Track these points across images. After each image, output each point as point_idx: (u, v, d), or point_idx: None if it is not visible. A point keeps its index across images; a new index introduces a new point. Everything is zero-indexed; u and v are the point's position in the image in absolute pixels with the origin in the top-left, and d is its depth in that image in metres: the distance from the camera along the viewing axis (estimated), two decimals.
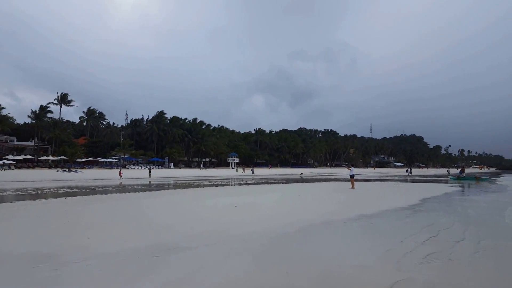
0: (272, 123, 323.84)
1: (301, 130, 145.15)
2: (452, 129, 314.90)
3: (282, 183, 27.95)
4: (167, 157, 73.35)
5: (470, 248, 5.99)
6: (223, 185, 25.24)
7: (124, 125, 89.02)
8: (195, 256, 5.38)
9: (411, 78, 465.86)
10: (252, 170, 58.06)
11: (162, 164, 71.58)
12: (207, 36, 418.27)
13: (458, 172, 41.16)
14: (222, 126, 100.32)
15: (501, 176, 51.89)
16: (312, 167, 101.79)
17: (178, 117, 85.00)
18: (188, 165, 79.92)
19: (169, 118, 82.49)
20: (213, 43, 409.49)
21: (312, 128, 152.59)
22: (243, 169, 60.95)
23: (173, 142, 77.91)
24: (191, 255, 5.43)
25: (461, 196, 17.53)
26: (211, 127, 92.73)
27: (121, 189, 21.91)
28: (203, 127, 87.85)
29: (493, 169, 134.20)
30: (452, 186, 24.22)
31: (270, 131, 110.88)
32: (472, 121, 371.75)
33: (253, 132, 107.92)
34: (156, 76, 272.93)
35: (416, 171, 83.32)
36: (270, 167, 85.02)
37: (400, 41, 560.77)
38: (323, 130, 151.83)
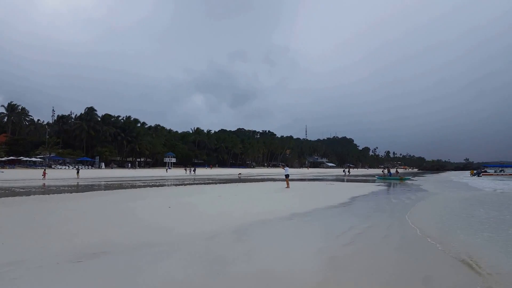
0: (212, 123, 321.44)
1: (240, 131, 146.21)
2: (379, 132, 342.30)
3: (220, 183, 27.78)
4: (98, 157, 68.61)
5: (394, 244, 6.54)
6: (158, 186, 24.27)
7: (51, 122, 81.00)
8: (120, 261, 5.08)
9: (345, 83, 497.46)
10: (194, 171, 56.95)
11: (92, 164, 66.83)
12: (145, 33, 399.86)
13: (394, 171, 44.95)
14: (159, 125, 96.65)
15: (422, 176, 57.50)
16: (250, 167, 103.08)
17: (111, 115, 79.91)
18: (121, 165, 75.58)
19: (100, 116, 77.13)
20: (151, 40, 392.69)
21: (251, 129, 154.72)
22: (185, 170, 59.38)
23: (104, 141, 73.08)
24: (116, 260, 5.11)
25: (386, 194, 18.88)
26: (147, 126, 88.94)
27: (45, 190, 19.92)
28: (138, 125, 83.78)
29: (415, 170, 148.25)
30: (378, 186, 25.99)
31: (209, 131, 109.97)
32: (398, 124, 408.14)
33: (191, 131, 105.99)
34: (88, 71, 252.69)
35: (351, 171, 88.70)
36: (211, 167, 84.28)
37: (335, 46, 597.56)
38: (261, 131, 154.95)
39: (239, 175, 47.39)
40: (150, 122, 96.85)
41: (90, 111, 74.66)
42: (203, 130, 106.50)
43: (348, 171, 63.47)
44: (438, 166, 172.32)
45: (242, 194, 16.81)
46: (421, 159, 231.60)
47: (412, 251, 5.94)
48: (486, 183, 31.92)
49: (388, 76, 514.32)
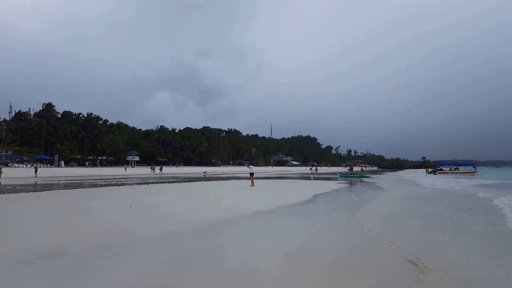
0: (178, 121, 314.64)
1: (206, 129, 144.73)
2: (342, 131, 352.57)
3: (184, 182, 27.50)
4: (57, 155, 65.10)
5: (352, 240, 6.89)
6: (120, 185, 23.59)
7: (8, 119, 75.44)
8: (77, 262, 4.94)
9: (310, 83, 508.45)
10: (161, 169, 55.57)
11: (51, 163, 63.22)
12: (109, 27, 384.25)
13: (360, 169, 46.56)
14: (121, 123, 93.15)
15: (381, 174, 59.94)
16: (216, 165, 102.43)
17: (71, 112, 75.98)
18: (82, 163, 72.22)
19: (60, 112, 73.09)
20: (115, 35, 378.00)
21: (217, 128, 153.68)
22: (151, 168, 57.70)
23: (64, 138, 69.30)
24: (72, 261, 4.97)
25: (346, 192, 19.56)
26: (109, 123, 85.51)
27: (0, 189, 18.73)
28: (100, 122, 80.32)
29: (375, 168, 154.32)
30: (340, 183, 26.80)
31: (174, 129, 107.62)
32: (360, 124, 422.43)
33: (155, 129, 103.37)
34: (48, 66, 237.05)
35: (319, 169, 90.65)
36: (177, 166, 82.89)
37: (302, 46, 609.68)
38: (227, 130, 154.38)
39: (204, 174, 47.07)
40: (113, 120, 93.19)
41: (49, 107, 70.38)
42: (167, 128, 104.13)
43: (316, 169, 64.54)
44: (397, 164, 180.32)
45: (206, 193, 16.75)
46: (381, 158, 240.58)
47: (358, 245, 6.29)
48: (435, 180, 33.73)
49: (352, 77, 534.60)
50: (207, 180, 30.37)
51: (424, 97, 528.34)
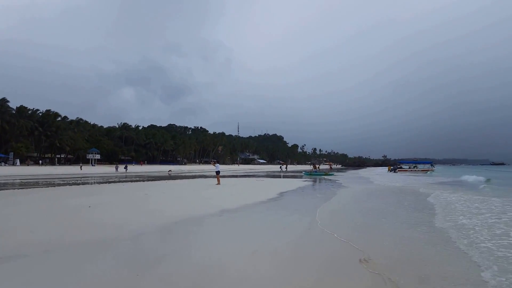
0: (143, 118, 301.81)
1: (171, 127, 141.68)
2: (307, 130, 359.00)
3: (148, 181, 26.85)
4: (12, 153, 61.10)
5: (315, 238, 7.05)
6: (80, 184, 22.58)
7: None
8: (32, 266, 4.70)
9: (278, 82, 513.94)
10: (126, 168, 53.59)
11: (5, 161, 59.35)
12: (70, 21, 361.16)
13: (329, 167, 47.65)
14: (81, 119, 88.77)
15: (344, 172, 61.82)
16: (181, 164, 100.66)
17: (27, 107, 71.40)
18: (38, 161, 68.18)
19: (15, 108, 68.43)
20: (76, 29, 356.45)
21: (183, 125, 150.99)
22: (115, 167, 55.47)
23: (20, 135, 65.05)
24: (27, 264, 4.72)
25: (310, 189, 20.00)
26: (68, 120, 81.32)
27: None
28: (59, 119, 76.17)
29: (339, 166, 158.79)
30: (305, 181, 27.35)
31: (137, 126, 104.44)
32: (324, 122, 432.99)
33: (117, 126, 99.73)
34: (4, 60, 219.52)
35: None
36: (142, 164, 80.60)
37: (274, 48, 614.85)
38: (193, 127, 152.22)
39: (169, 172, 46.14)
40: (74, 116, 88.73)
41: (2, 102, 65.65)
42: (131, 125, 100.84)
43: (286, 167, 64.93)
44: (359, 163, 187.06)
45: (171, 192, 16.50)
46: (344, 156, 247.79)
47: (314, 240, 6.55)
48: (389, 179, 35.14)
49: (316, 75, 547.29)
50: (172, 179, 29.82)
51: (388, 99, 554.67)
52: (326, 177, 36.67)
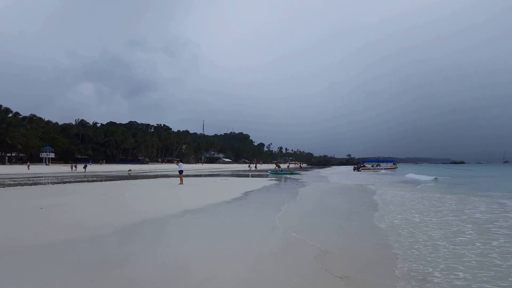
0: (103, 115, 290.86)
1: (132, 124, 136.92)
2: (274, 129, 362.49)
3: (107, 181, 25.62)
4: None
5: (280, 237, 7.01)
6: (31, 185, 20.98)
7: None
8: None
9: (245, 81, 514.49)
10: (85, 167, 50.66)
11: None
12: (24, 12, 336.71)
13: (299, 166, 48.08)
14: (35, 116, 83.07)
15: (309, 171, 63.08)
16: (143, 163, 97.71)
17: None
18: None
19: None
20: (32, 20, 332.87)
21: (145, 122, 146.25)
22: (71, 166, 52.31)
23: None
24: None
25: (275, 188, 20.02)
26: (20, 116, 75.81)
27: None
28: (10, 115, 70.80)
29: (305, 165, 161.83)
30: (270, 180, 27.45)
31: (95, 124, 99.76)
32: (292, 121, 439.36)
33: (74, 123, 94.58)
34: None
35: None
36: (101, 163, 77.15)
37: (240, 44, 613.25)
38: (155, 125, 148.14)
39: (129, 172, 44.46)
40: (27, 111, 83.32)
41: None
42: (88, 123, 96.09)
43: (255, 166, 64.69)
44: (324, 162, 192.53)
45: (130, 192, 15.87)
46: (310, 155, 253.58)
47: (274, 240, 6.52)
48: (348, 177, 36.59)
49: (285, 74, 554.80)
50: (133, 179, 28.73)
51: (355, 101, 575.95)
52: (291, 176, 37.10)
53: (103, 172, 47.15)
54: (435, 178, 30.17)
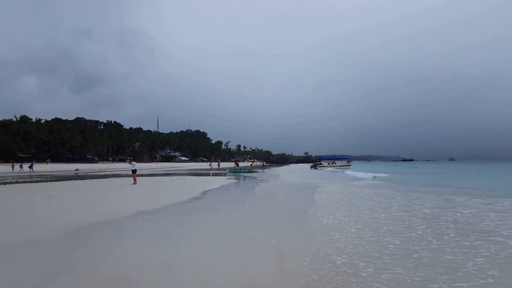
0: (48, 111, 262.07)
1: (79, 121, 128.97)
2: (231, 127, 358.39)
3: (52, 181, 23.95)
4: None
5: (238, 235, 7.09)
6: None
7: None
8: None
9: (201, 76, 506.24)
10: (31, 167, 46.56)
11: None
12: None
13: (261, 164, 48.05)
14: None
15: (268, 169, 63.10)
16: (92, 162, 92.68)
17: None
18: None
19: None
20: None
21: (94, 119, 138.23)
22: (20, 166, 48.01)
23: None
24: None
25: (234, 187, 20.06)
26: None
27: None
28: None
29: (263, 163, 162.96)
30: (229, 179, 27.49)
31: (39, 120, 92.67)
32: (250, 119, 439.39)
33: (15, 120, 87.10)
34: None
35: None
36: (47, 162, 71.90)
37: (198, 38, 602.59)
38: (105, 122, 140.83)
39: (76, 172, 41.99)
40: None
41: None
42: (31, 119, 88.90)
43: (218, 164, 63.71)
44: (282, 159, 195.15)
45: (79, 193, 15.03)
46: (268, 153, 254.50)
47: (232, 240, 6.63)
48: (304, 175, 38.37)
49: (242, 72, 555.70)
50: (81, 179, 27.15)
51: (311, 98, 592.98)
52: (249, 174, 37.34)
53: (48, 172, 43.99)
54: (374, 176, 31.76)
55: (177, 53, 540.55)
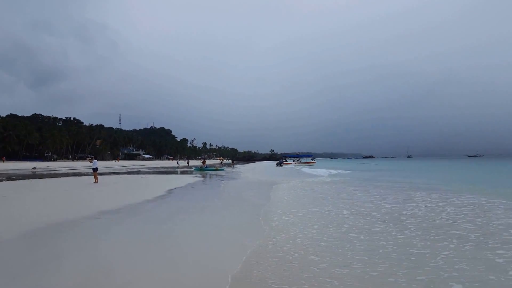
0: (3, 106, 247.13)
1: (36, 117, 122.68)
2: (197, 124, 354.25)
3: (8, 180, 23.05)
4: None
5: (203, 233, 7.38)
6: None
7: None
8: None
9: (165, 71, 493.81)
10: None
11: None
12: None
13: (231, 162, 48.11)
14: None
15: (234, 166, 63.35)
16: (50, 160, 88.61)
17: None
18: None
19: None
20: None
21: (53, 115, 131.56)
22: None
23: None
24: None
25: (200, 185, 20.11)
26: None
27: None
28: None
29: (229, 160, 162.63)
30: (195, 177, 27.38)
31: None
32: (216, 117, 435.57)
33: None
34: None
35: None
36: (4, 160, 68.02)
37: (167, 26, 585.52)
38: (64, 118, 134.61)
39: (33, 170, 40.45)
40: None
41: None
42: None
43: (188, 163, 62.71)
44: (249, 157, 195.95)
45: (37, 192, 14.66)
46: (235, 150, 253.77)
47: (196, 240, 6.96)
48: (268, 172, 39.35)
49: (211, 65, 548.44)
50: (39, 178, 26.10)
51: (278, 98, 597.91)
52: (216, 172, 37.41)
53: (4, 170, 41.91)
54: (332, 174, 33.14)
55: (144, 45, 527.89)
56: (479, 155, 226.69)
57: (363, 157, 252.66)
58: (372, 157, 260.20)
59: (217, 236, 6.83)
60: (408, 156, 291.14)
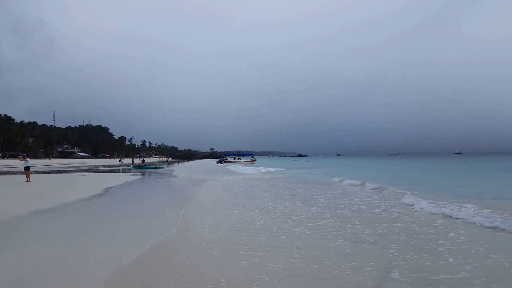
0: None
1: None
2: (136, 122, 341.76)
3: None
4: None
5: (132, 229, 7.68)
6: None
7: None
8: None
9: (105, 67, 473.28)
10: None
11: None
12: None
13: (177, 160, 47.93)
14: None
15: (173, 165, 62.22)
16: None
17: None
18: None
19: None
20: None
21: None
22: None
23: None
24: None
25: (139, 184, 19.91)
26: None
27: None
28: None
29: (170, 158, 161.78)
30: (134, 175, 27.07)
31: None
32: (154, 115, 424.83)
33: None
34: None
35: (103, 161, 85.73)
36: None
37: (107, 22, 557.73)
38: None
39: None
40: None
41: None
42: None
43: (133, 161, 60.56)
44: (189, 155, 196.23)
45: None
46: (175, 149, 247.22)
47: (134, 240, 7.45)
48: (207, 170, 40.50)
49: (152, 69, 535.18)
50: None
51: (218, 96, 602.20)
52: (155, 170, 37.40)
53: None
54: (271, 172, 34.41)
55: (83, 41, 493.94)
56: (400, 154, 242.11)
57: (297, 155, 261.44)
58: (305, 155, 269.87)
59: (147, 235, 6.77)
60: (338, 155, 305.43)
